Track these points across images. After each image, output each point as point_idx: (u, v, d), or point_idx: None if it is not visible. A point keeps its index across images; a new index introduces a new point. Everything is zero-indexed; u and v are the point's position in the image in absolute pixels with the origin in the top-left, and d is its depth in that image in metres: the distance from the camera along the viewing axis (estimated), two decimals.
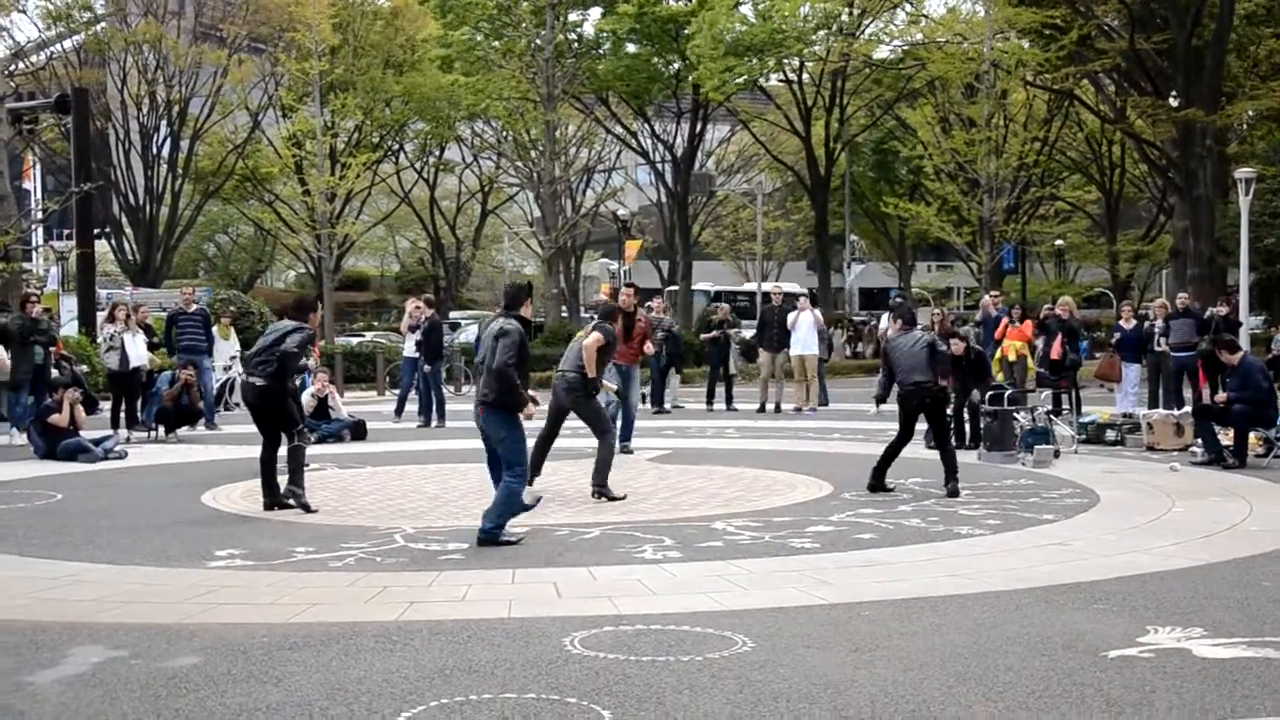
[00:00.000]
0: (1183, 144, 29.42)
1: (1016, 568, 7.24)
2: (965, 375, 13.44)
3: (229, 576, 7.13)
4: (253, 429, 9.89)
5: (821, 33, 36.97)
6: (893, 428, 10.75)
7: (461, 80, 34.44)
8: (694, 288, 43.27)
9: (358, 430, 15.45)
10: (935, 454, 10.69)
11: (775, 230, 48.61)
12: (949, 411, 13.78)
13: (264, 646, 5.51)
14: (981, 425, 13.08)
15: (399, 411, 17.85)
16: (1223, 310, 19.02)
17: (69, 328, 25.06)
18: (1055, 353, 16.09)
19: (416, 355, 17.37)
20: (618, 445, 11.47)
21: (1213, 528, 8.61)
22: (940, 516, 9.14)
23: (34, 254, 28.22)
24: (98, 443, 13.16)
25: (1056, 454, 12.57)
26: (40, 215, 26.45)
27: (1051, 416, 13.47)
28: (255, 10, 41.79)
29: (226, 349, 19.07)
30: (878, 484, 10.35)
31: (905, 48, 37.73)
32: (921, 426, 11.08)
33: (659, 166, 45.30)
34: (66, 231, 32.74)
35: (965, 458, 12.52)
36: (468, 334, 29.57)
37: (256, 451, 9.68)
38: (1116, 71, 32.42)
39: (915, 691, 4.81)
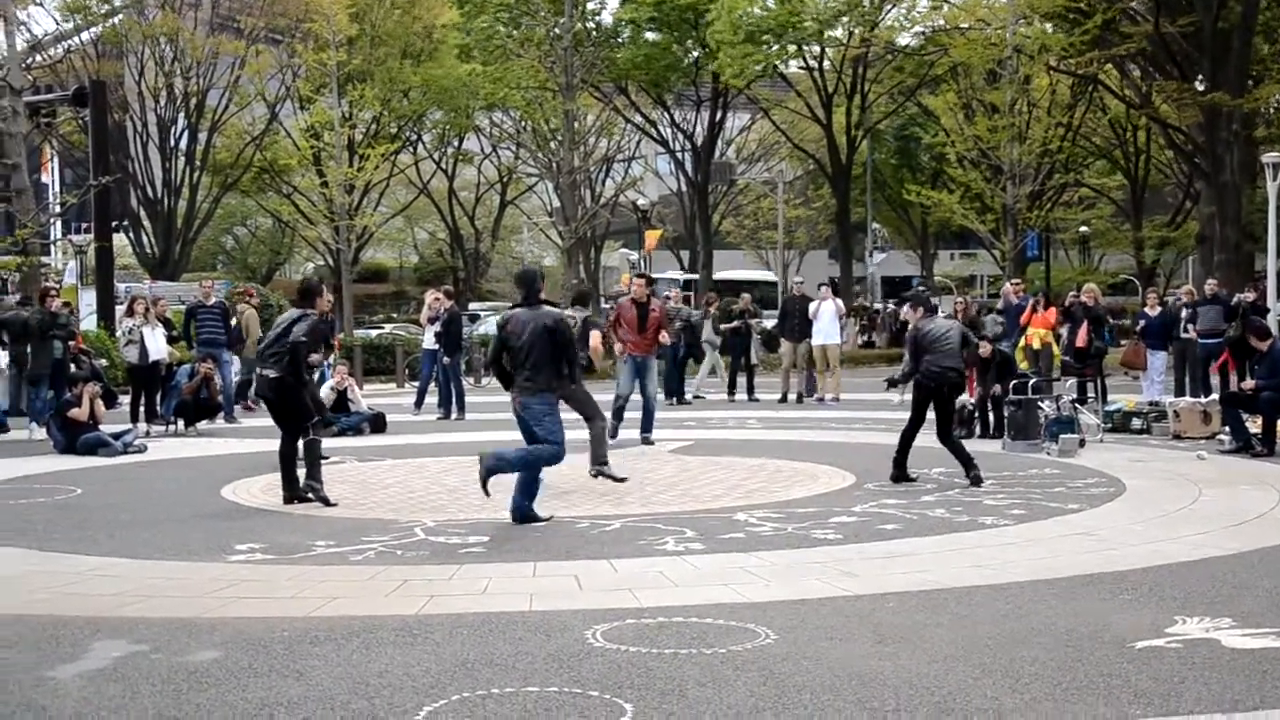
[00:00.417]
0: (1209, 128, 29.06)
1: (1042, 558, 7.18)
2: (989, 370, 13.40)
3: (249, 570, 7.14)
4: (271, 423, 9.90)
5: (843, 19, 36.75)
6: None
7: (480, 70, 34.35)
8: (656, 275, 35.96)
9: (377, 423, 15.47)
10: None
11: (796, 219, 48.34)
12: (971, 402, 13.75)
13: (284, 641, 5.50)
14: (1006, 414, 12.97)
15: (418, 404, 17.82)
16: (1250, 296, 18.84)
17: (88, 322, 25.10)
18: (1081, 340, 15.97)
19: (436, 347, 17.32)
20: (610, 424, 11.74)
21: (1241, 516, 8.52)
22: (965, 506, 9.08)
23: (52, 248, 28.21)
24: (117, 437, 13.19)
25: (1082, 443, 12.44)
26: (59, 209, 26.47)
27: (1077, 405, 13.36)
28: (272, 1, 41.79)
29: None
30: (900, 474, 10.31)
31: (927, 34, 37.46)
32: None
33: (679, 155, 45.11)
34: (85, 225, 32.77)
35: (989, 447, 12.50)
36: (487, 325, 29.52)
37: (275, 445, 9.68)
38: (1141, 55, 32.05)
39: (941, 683, 4.76)
